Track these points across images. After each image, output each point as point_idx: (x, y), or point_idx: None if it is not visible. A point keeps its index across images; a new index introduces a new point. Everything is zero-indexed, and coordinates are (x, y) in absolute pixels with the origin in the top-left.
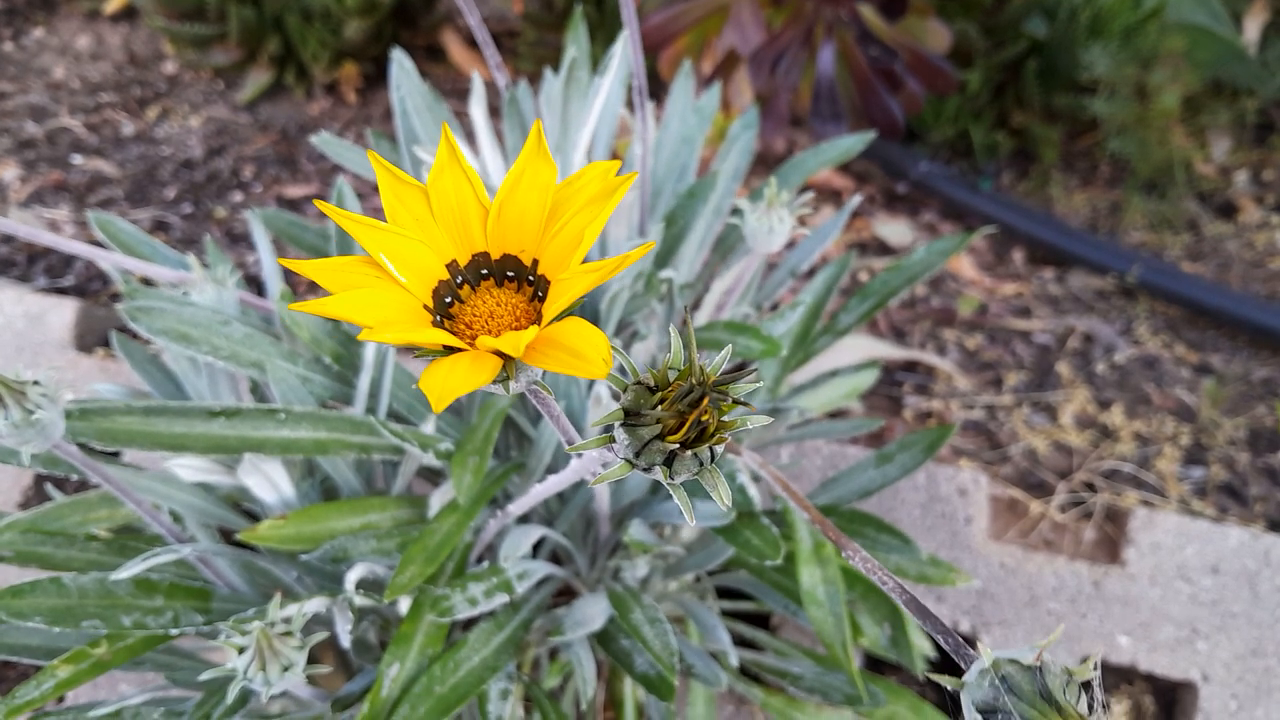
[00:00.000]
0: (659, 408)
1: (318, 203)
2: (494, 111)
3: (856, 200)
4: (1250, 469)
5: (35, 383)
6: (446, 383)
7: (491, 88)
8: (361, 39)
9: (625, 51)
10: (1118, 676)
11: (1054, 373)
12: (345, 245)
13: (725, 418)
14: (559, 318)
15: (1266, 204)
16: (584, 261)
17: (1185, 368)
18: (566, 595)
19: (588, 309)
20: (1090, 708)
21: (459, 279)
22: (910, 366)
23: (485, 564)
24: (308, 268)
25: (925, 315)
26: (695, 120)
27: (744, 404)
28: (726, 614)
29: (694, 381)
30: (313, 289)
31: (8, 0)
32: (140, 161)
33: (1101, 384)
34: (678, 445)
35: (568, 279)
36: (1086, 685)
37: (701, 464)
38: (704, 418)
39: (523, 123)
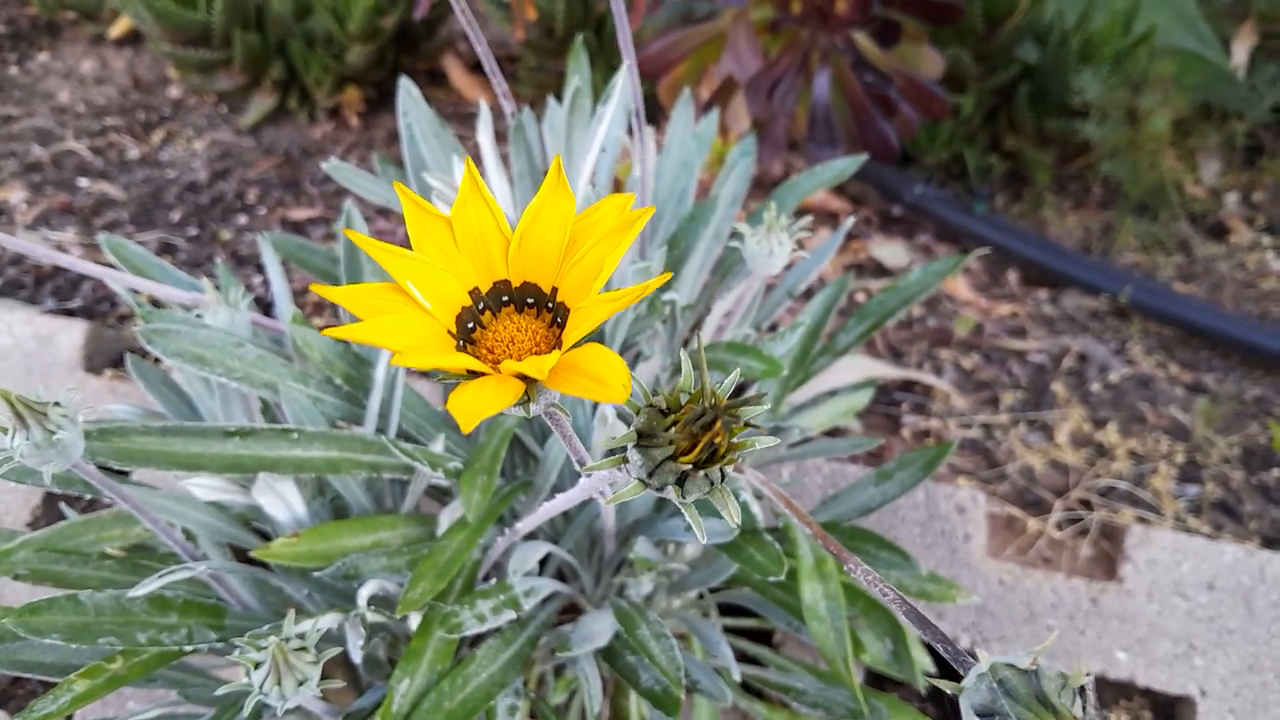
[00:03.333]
0: (672, 430)
1: (348, 232)
2: (498, 136)
3: (850, 222)
4: (1245, 487)
5: (56, 404)
6: (475, 404)
7: (493, 113)
8: (364, 64)
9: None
10: (1116, 692)
11: (1049, 392)
12: (353, 268)
13: (735, 439)
14: (578, 344)
15: (1257, 225)
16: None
17: (1179, 387)
18: (572, 613)
19: (593, 330)
20: (1084, 711)
21: (481, 305)
22: (908, 386)
23: (493, 581)
24: (337, 295)
25: (922, 335)
26: (694, 145)
27: (754, 426)
28: (729, 630)
29: (706, 405)
30: (319, 311)
31: (13, 24)
32: (145, 185)
33: (1096, 403)
34: (690, 466)
35: (588, 307)
36: (1081, 691)
37: (712, 483)
38: (716, 439)
39: (528, 149)
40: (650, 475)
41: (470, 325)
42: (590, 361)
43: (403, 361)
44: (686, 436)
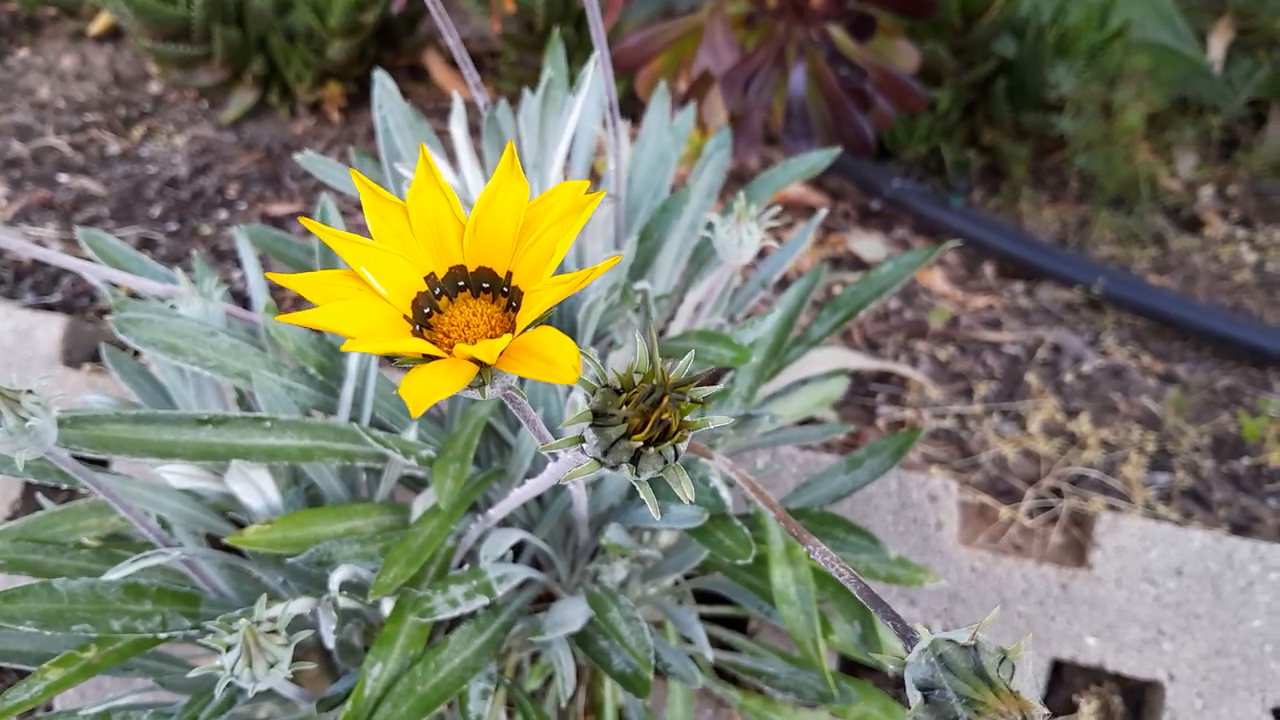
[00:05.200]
0: (624, 408)
1: (304, 220)
2: (474, 130)
3: (823, 213)
4: (1214, 475)
5: (29, 391)
6: (426, 388)
7: (472, 107)
8: (345, 59)
9: (599, 71)
10: (1086, 677)
11: (1023, 383)
12: (329, 261)
13: (689, 418)
14: (531, 326)
15: (1231, 218)
16: (558, 273)
17: (1151, 377)
18: (548, 600)
19: (566, 319)
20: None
21: (437, 291)
22: (883, 377)
23: (466, 567)
24: (293, 281)
25: (898, 328)
26: (671, 139)
27: (701, 404)
28: (705, 618)
29: (655, 383)
30: (297, 304)
31: None
32: (126, 180)
33: (1069, 393)
34: (642, 444)
35: (540, 290)
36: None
37: (666, 462)
38: (665, 415)
39: (501, 141)
40: (605, 454)
41: (426, 310)
42: (541, 344)
43: (356, 346)
44: (638, 414)
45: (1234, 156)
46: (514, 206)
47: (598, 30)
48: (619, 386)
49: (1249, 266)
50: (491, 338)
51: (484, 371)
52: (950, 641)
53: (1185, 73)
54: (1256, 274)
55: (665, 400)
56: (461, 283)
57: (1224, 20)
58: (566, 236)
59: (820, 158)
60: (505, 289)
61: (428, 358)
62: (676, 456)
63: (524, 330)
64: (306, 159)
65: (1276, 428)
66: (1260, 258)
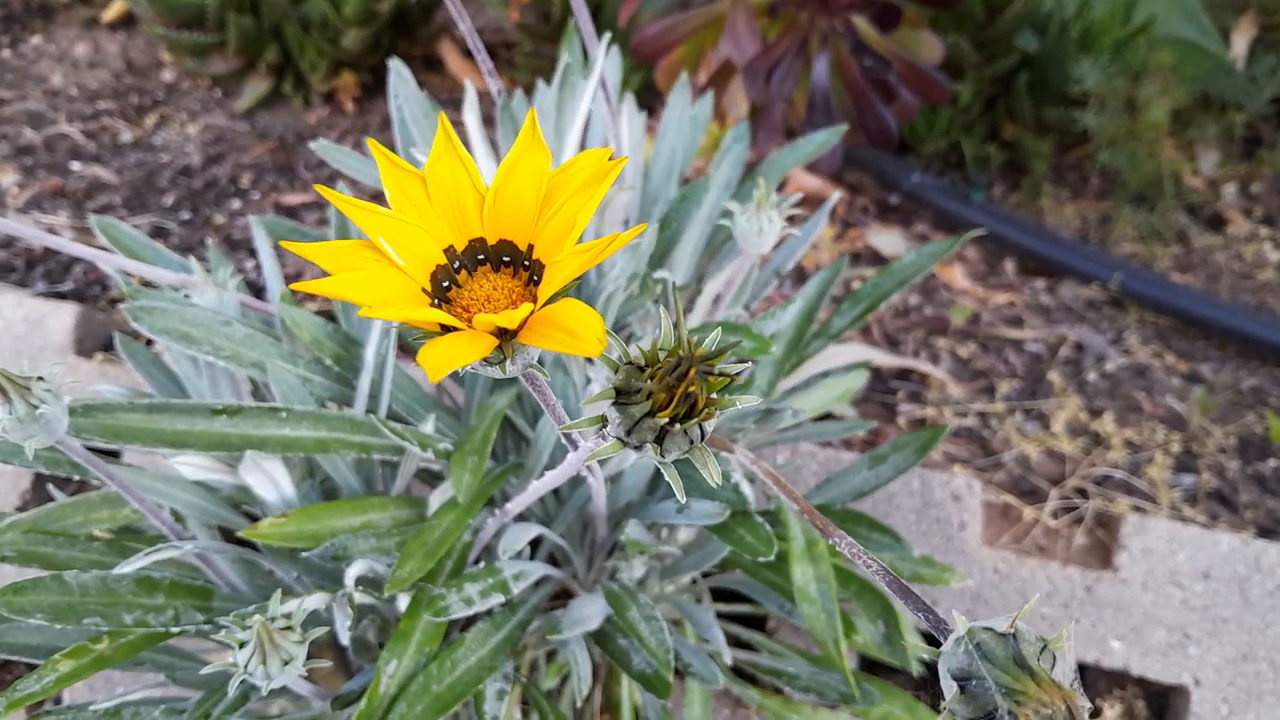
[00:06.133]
0: (649, 383)
1: (318, 187)
2: (489, 121)
3: (836, 197)
4: (1240, 476)
5: (39, 378)
6: (445, 357)
7: (486, 98)
8: (359, 49)
9: (612, 57)
10: (1110, 680)
11: (1045, 381)
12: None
13: (713, 395)
14: (553, 299)
15: (1254, 216)
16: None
17: (1175, 376)
18: (565, 597)
19: (569, 287)
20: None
21: (456, 264)
22: (904, 374)
23: (482, 564)
24: (308, 251)
25: (918, 324)
26: (690, 130)
27: (730, 378)
28: (723, 616)
29: (680, 355)
30: (312, 298)
31: (6, 7)
32: (138, 168)
33: (1093, 392)
34: (667, 420)
35: (561, 260)
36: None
37: (691, 442)
38: (691, 388)
39: (516, 129)
40: (629, 433)
41: (445, 284)
42: (564, 315)
43: (371, 313)
44: (663, 389)
45: (1257, 154)
46: (535, 177)
47: (583, 18)
48: (643, 363)
49: (1272, 265)
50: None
51: (504, 345)
52: (988, 629)
53: (1209, 69)
54: None
55: (692, 373)
56: (481, 256)
57: (1247, 17)
58: (589, 206)
59: (826, 136)
60: (526, 262)
61: (445, 329)
62: (703, 436)
63: (546, 303)
64: (320, 147)
65: None
66: None
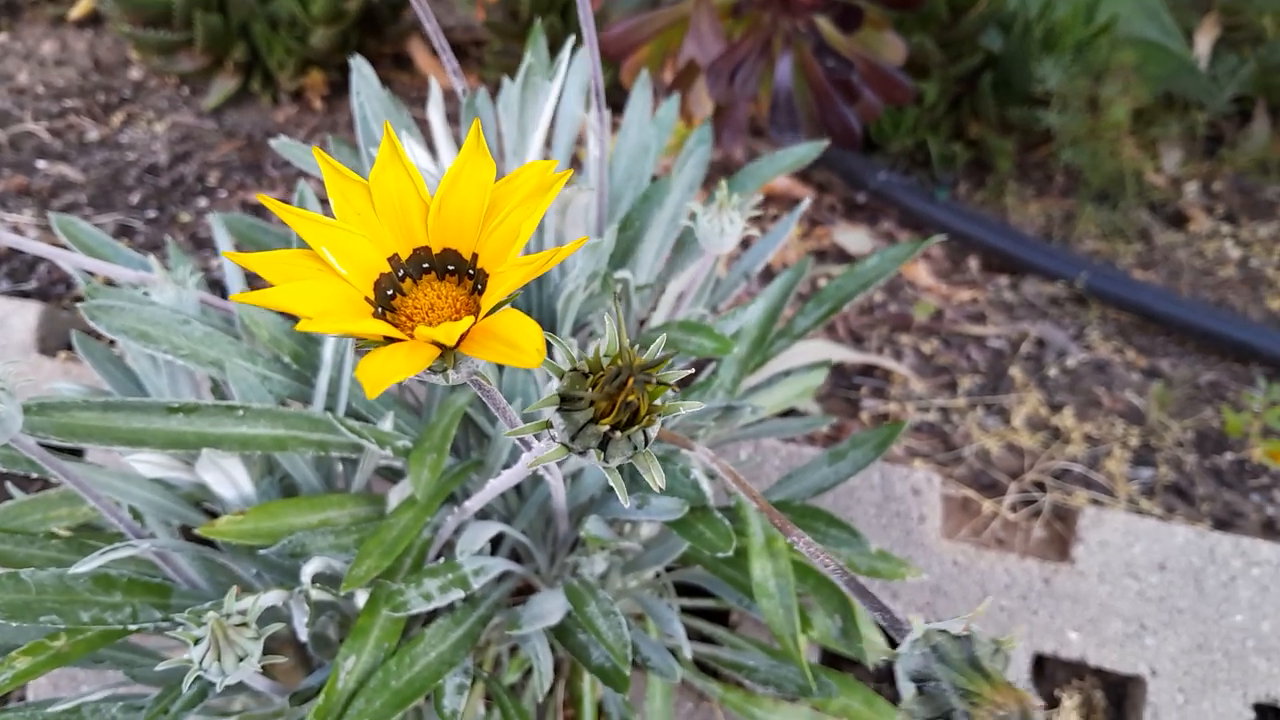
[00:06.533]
0: (590, 391)
1: (261, 197)
2: (454, 119)
3: (807, 203)
4: (1197, 470)
5: None
6: (383, 370)
7: (453, 95)
8: (328, 47)
9: (579, 57)
10: (1069, 671)
11: (1007, 376)
12: (305, 247)
13: (658, 402)
14: (496, 309)
15: (1216, 214)
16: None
17: (1135, 372)
18: (527, 593)
19: (545, 309)
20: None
21: (400, 272)
22: (868, 370)
23: (442, 560)
24: (250, 261)
25: (883, 321)
26: (654, 130)
27: (670, 387)
28: (687, 611)
29: (620, 365)
30: None
31: None
32: (105, 167)
33: (1053, 387)
34: (609, 428)
35: (504, 272)
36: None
37: (635, 448)
38: (631, 397)
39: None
40: (573, 439)
41: (390, 292)
42: (505, 327)
43: (311, 327)
44: (604, 397)
45: (1219, 153)
46: (479, 187)
47: (585, 13)
48: (587, 370)
49: (1233, 262)
50: (455, 320)
51: (446, 355)
52: (943, 632)
53: (1171, 69)
54: (1240, 270)
55: (630, 382)
56: (426, 264)
57: (1210, 17)
58: (532, 217)
59: (807, 150)
60: (470, 271)
61: (389, 340)
62: (646, 442)
63: (489, 313)
64: (282, 145)
65: (1259, 423)
66: (1244, 253)
